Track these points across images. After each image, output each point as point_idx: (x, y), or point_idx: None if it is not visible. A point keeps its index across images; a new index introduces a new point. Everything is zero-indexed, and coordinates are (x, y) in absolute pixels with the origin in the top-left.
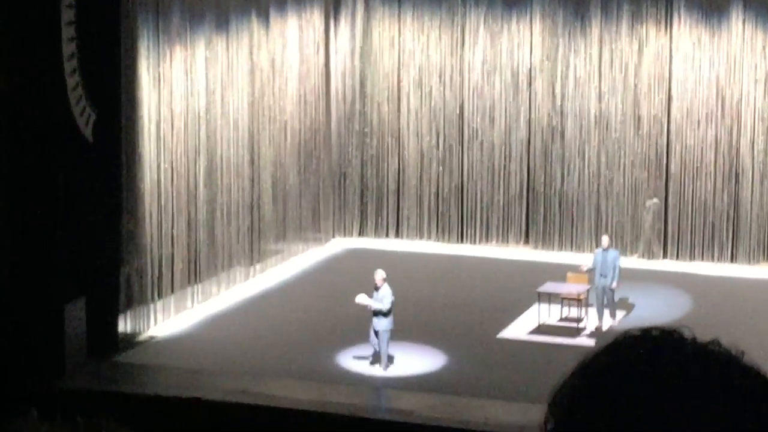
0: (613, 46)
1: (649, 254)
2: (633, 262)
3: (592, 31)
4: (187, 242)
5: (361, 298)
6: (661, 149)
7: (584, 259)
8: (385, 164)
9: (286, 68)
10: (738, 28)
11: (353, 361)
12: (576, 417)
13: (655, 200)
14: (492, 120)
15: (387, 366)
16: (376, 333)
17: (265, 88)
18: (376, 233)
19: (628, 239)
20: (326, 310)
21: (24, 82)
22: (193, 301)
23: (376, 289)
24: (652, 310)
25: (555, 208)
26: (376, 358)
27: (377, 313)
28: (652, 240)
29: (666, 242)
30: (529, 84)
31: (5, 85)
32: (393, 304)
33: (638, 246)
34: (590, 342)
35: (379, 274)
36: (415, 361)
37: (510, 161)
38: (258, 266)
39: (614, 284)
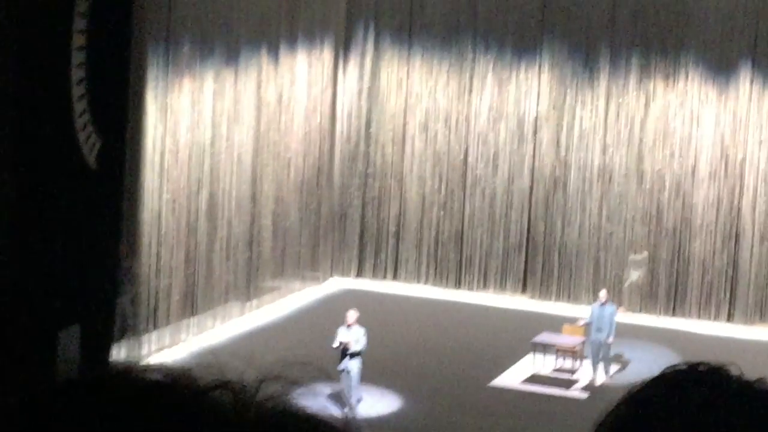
0: (620, 100)
1: (632, 308)
2: (629, 317)
3: (600, 83)
4: (184, 274)
5: (342, 336)
6: (662, 205)
7: (581, 312)
8: (386, 206)
9: (293, 105)
10: (746, 87)
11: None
12: None
13: (645, 254)
14: (495, 167)
15: (356, 406)
16: (347, 373)
17: (271, 123)
18: (374, 274)
19: (625, 294)
20: (318, 350)
21: (31, 105)
22: (188, 333)
23: (348, 327)
24: (647, 366)
25: (554, 258)
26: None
27: (350, 354)
28: (633, 294)
29: (663, 299)
30: (534, 133)
31: (12, 108)
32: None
33: (622, 299)
34: (583, 395)
35: (352, 315)
36: (404, 405)
37: (511, 209)
38: (254, 302)
39: (610, 339)
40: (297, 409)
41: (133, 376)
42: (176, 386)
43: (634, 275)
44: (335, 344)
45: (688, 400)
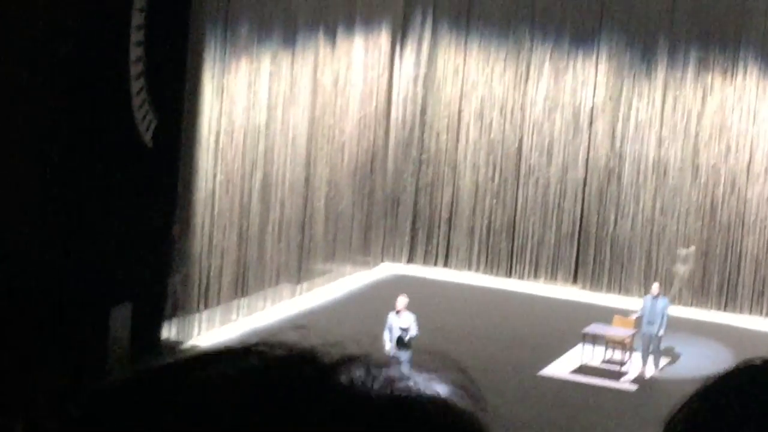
0: (677, 93)
1: (680, 300)
2: (681, 311)
3: (657, 75)
4: (236, 255)
5: (393, 322)
6: (716, 200)
7: (632, 303)
8: (439, 193)
9: (349, 89)
10: None
11: None
12: None
13: (692, 248)
14: (550, 157)
15: None
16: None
17: (326, 107)
18: (425, 261)
19: (677, 288)
20: (368, 335)
21: (89, 81)
22: (238, 314)
23: (398, 313)
24: (697, 361)
25: (606, 250)
26: None
27: (400, 343)
28: (684, 288)
29: (715, 294)
30: (590, 124)
31: (71, 86)
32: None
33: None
34: (632, 387)
35: (402, 300)
36: (453, 394)
37: (564, 200)
38: (305, 284)
39: (661, 332)
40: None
41: (259, 351)
42: (306, 362)
43: (681, 269)
44: (387, 339)
45: (764, 394)
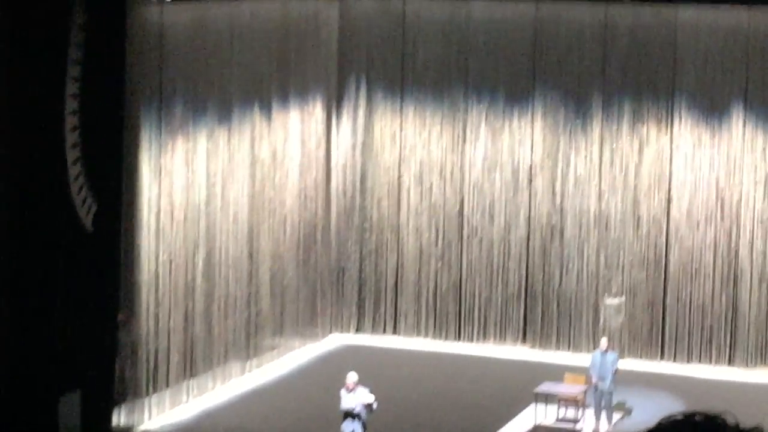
0: (614, 145)
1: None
2: (631, 363)
3: (593, 130)
4: (183, 335)
5: (347, 402)
6: (660, 250)
7: (582, 360)
8: (384, 260)
9: (287, 161)
10: (738, 129)
11: None
12: None
13: (622, 299)
14: (491, 217)
15: None
16: None
17: (266, 180)
18: (374, 329)
19: (626, 341)
20: (321, 407)
21: (26, 170)
22: (188, 395)
23: (350, 390)
24: (649, 413)
25: (553, 307)
26: None
27: (351, 415)
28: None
29: (663, 344)
30: (530, 182)
31: (8, 175)
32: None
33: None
34: None
35: (351, 377)
36: None
37: (509, 259)
38: (254, 361)
39: (612, 387)
40: None
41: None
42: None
43: (615, 321)
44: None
45: None
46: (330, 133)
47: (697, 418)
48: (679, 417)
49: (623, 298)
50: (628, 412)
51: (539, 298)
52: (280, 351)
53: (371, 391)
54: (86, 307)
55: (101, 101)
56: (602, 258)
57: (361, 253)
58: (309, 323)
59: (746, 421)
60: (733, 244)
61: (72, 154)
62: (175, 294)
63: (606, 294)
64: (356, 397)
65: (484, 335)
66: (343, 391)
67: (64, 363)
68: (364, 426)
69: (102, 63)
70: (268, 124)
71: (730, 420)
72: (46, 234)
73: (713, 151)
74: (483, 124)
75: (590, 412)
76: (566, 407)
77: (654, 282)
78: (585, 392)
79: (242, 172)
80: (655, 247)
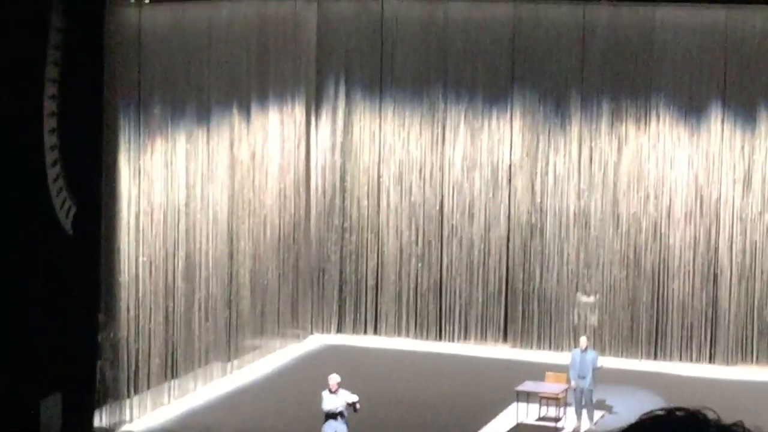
0: (593, 144)
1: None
2: (611, 361)
3: (572, 128)
4: (164, 337)
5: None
6: (639, 248)
7: (563, 358)
8: (364, 260)
9: (267, 162)
10: (717, 127)
11: None
12: None
13: (592, 298)
14: (471, 216)
15: None
16: None
17: (245, 181)
18: (354, 329)
19: (606, 339)
20: (302, 408)
21: (5, 173)
22: (169, 397)
23: (333, 392)
24: (630, 411)
25: (534, 305)
26: None
27: (333, 416)
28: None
29: (644, 342)
30: (509, 181)
31: None
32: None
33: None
34: None
35: (334, 379)
36: None
37: (489, 258)
38: (236, 362)
39: (592, 385)
40: None
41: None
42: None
43: (590, 319)
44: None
45: None
46: (309, 134)
47: (678, 413)
48: (661, 413)
49: (597, 296)
50: (608, 410)
51: (520, 297)
52: (261, 351)
53: (353, 393)
54: (66, 309)
55: (80, 103)
56: (582, 256)
57: (341, 253)
58: (290, 324)
59: (727, 418)
60: (712, 242)
61: (51, 156)
62: (155, 295)
63: (579, 291)
64: (339, 398)
65: (465, 334)
66: (325, 393)
67: (45, 365)
68: (347, 426)
69: (80, 64)
70: (247, 125)
71: (711, 416)
72: (26, 236)
73: (692, 150)
74: (462, 124)
75: (571, 411)
76: (548, 406)
77: (634, 280)
78: (566, 391)
79: (222, 173)
80: (635, 245)
